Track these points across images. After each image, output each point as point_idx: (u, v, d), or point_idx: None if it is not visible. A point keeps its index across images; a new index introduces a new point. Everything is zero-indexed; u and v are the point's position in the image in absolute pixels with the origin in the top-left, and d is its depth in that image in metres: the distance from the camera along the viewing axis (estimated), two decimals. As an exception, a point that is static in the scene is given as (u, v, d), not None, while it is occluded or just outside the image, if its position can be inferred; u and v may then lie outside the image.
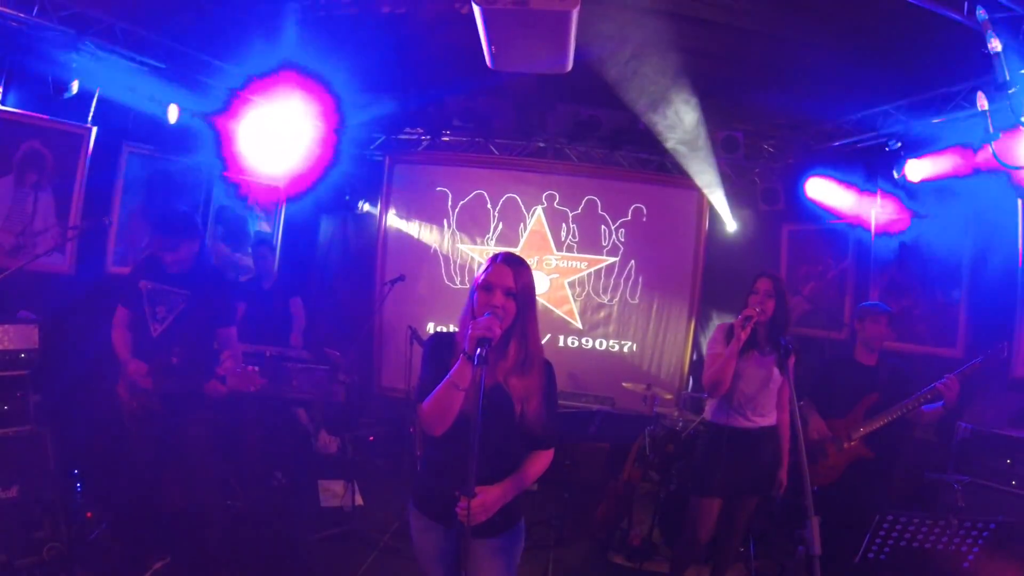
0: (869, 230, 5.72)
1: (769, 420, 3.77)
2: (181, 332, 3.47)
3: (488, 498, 2.30)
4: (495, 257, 2.43)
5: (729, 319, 3.83)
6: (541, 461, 2.53)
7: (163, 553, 3.76)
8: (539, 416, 2.42)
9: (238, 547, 4.09)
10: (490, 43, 3.51)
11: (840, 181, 5.73)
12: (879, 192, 5.56)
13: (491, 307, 2.32)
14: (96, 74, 4.57)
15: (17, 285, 3.76)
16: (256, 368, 3.38)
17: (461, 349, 2.23)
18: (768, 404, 3.77)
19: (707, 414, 3.94)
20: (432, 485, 2.45)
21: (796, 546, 4.65)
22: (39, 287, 4.29)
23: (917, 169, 4.93)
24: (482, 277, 2.38)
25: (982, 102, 3.70)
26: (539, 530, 5.04)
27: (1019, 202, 4.60)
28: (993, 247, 4.82)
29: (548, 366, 2.51)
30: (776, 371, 3.70)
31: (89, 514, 3.95)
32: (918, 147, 4.92)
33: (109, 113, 4.83)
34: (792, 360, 3.47)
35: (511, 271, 2.37)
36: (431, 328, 6.63)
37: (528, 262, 2.48)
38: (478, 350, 2.14)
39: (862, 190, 5.67)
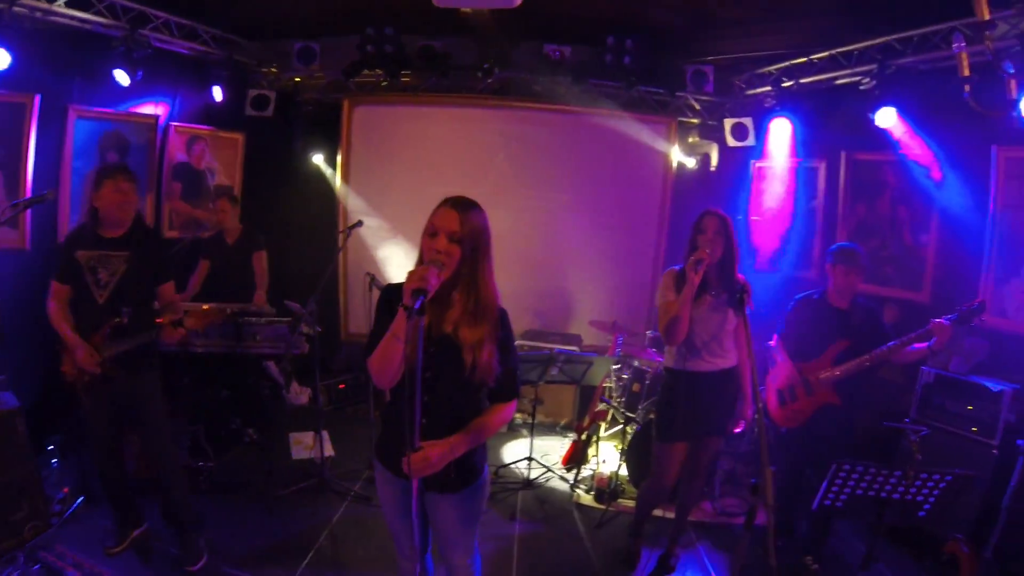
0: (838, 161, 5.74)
1: (729, 361, 3.81)
2: (126, 293, 3.53)
3: (432, 452, 2.30)
4: (444, 200, 2.37)
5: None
6: (499, 414, 2.51)
7: (139, 521, 3.98)
8: (491, 366, 2.37)
9: (210, 507, 4.34)
10: None
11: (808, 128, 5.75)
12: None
13: (434, 252, 2.28)
14: (36, 38, 4.51)
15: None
16: (206, 307, 3.55)
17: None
18: (726, 345, 3.80)
19: (666, 361, 3.98)
20: (387, 438, 2.51)
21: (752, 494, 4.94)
22: (-5, 265, 4.40)
23: (887, 117, 4.90)
24: (428, 221, 2.34)
25: (958, 43, 3.65)
26: (505, 472, 5.33)
27: (993, 148, 4.62)
28: (964, 192, 4.85)
29: (503, 314, 2.47)
30: (731, 312, 3.71)
31: (66, 489, 4.15)
32: (892, 87, 4.86)
33: (54, 77, 4.81)
34: (746, 300, 3.49)
35: (457, 214, 2.30)
36: (394, 273, 6.66)
37: (479, 204, 2.40)
38: (414, 302, 2.07)
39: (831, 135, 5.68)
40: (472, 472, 2.54)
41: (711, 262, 3.54)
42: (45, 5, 4.51)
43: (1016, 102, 3.78)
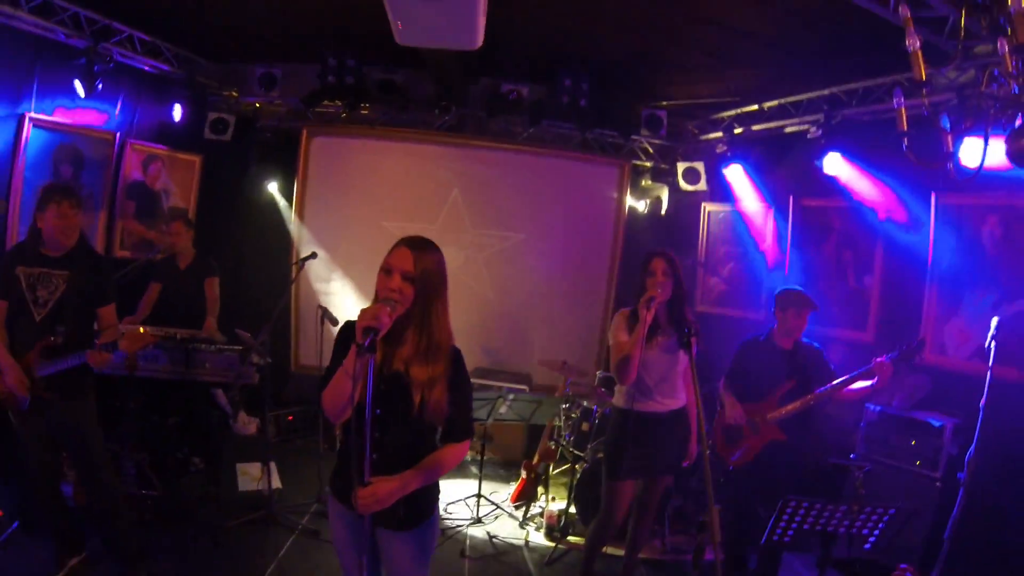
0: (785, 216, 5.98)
1: (679, 402, 3.88)
2: (64, 313, 3.45)
3: (380, 489, 2.29)
4: (400, 240, 2.41)
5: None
6: (451, 453, 2.52)
7: (78, 549, 3.80)
8: (440, 406, 2.39)
9: (154, 537, 4.18)
10: (395, 17, 3.50)
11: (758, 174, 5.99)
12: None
13: (388, 291, 2.31)
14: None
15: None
16: (143, 329, 3.41)
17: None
18: (676, 386, 3.86)
19: (616, 400, 4.01)
20: (340, 471, 2.50)
21: (698, 533, 4.97)
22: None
23: (834, 163, 5.14)
24: (384, 260, 2.37)
25: (898, 99, 3.88)
26: (455, 509, 5.27)
27: (932, 196, 4.86)
28: (906, 236, 5.08)
29: (456, 354, 2.48)
30: (681, 353, 3.75)
31: (0, 512, 3.97)
32: (838, 136, 5.11)
33: (9, 85, 4.71)
34: (694, 341, 3.54)
35: (412, 254, 2.34)
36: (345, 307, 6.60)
37: (436, 244, 2.44)
38: (364, 340, 2.11)
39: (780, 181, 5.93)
40: (423, 511, 2.53)
41: (661, 301, 3.60)
42: (9, 9, 4.44)
43: (953, 155, 4.01)
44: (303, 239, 6.71)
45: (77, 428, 3.55)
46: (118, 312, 3.71)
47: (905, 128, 3.83)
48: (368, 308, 2.22)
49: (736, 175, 6.10)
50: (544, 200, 6.86)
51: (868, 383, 3.93)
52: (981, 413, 3.67)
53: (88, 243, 3.68)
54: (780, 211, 6.05)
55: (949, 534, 4.02)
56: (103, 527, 3.72)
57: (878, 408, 4.76)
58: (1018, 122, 3.27)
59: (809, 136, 5.32)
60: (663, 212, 7.08)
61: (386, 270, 2.34)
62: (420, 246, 2.39)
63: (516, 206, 6.86)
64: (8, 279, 3.44)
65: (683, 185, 6.47)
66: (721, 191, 6.26)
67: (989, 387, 3.90)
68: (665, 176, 6.83)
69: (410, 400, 2.37)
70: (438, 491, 2.65)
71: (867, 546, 3.30)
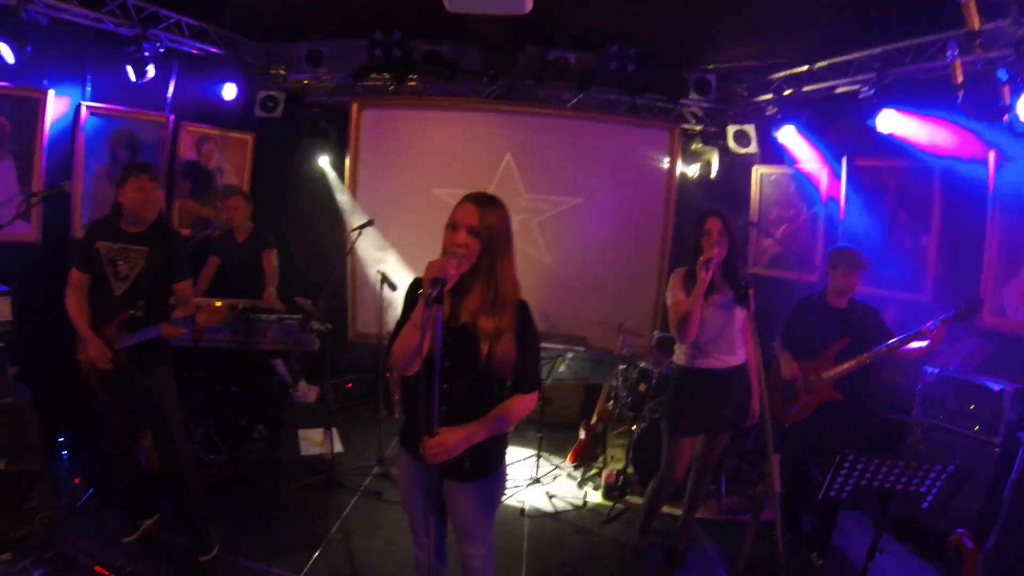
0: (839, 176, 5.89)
1: (738, 359, 3.90)
2: (143, 287, 3.59)
3: (448, 439, 2.37)
4: (466, 196, 2.47)
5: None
6: (519, 405, 2.56)
7: (151, 512, 4.03)
8: (508, 356, 2.45)
9: (220, 500, 4.40)
10: None
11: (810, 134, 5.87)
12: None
13: (454, 245, 2.38)
14: (49, 34, 4.59)
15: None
16: (218, 304, 3.61)
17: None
18: (735, 343, 3.89)
19: (676, 358, 4.05)
20: (409, 424, 2.61)
21: (757, 483, 5.01)
22: (8, 258, 4.48)
23: (888, 121, 5.02)
24: (450, 215, 2.45)
25: (952, 51, 3.80)
26: (514, 470, 5.39)
27: (991, 153, 4.74)
28: (963, 195, 4.98)
29: (523, 307, 2.55)
30: (738, 309, 3.79)
31: (77, 480, 4.20)
32: (891, 96, 4.99)
33: (67, 74, 4.90)
34: (751, 295, 3.62)
35: (477, 210, 2.41)
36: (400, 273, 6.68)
37: (501, 201, 2.51)
38: (432, 290, 2.17)
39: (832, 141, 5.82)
40: (489, 463, 2.62)
41: (718, 261, 3.62)
42: (59, 3, 4.60)
43: (1010, 108, 3.92)
44: (356, 209, 6.82)
45: (156, 396, 3.72)
46: None
47: (960, 81, 3.81)
48: (435, 261, 2.28)
49: (789, 136, 6.00)
50: (596, 165, 6.88)
51: (923, 344, 3.93)
52: None
53: (166, 220, 3.87)
54: (834, 172, 5.96)
55: (1008, 495, 3.99)
56: (175, 491, 3.89)
57: (936, 371, 4.69)
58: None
59: (861, 96, 5.22)
60: (713, 176, 7.01)
61: (452, 225, 2.41)
62: (485, 202, 2.45)
63: (569, 171, 6.90)
64: (89, 253, 3.61)
65: (733, 148, 6.40)
66: (772, 153, 6.17)
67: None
68: (715, 139, 6.74)
69: (477, 351, 2.44)
70: (506, 444, 2.74)
71: (924, 505, 3.24)
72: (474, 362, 2.45)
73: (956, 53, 3.75)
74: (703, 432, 3.97)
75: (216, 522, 4.02)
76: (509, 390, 2.58)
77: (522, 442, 5.93)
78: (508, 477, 5.09)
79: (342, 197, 6.95)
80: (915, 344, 3.95)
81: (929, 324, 3.85)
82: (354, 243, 5.10)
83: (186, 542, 3.89)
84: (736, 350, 3.91)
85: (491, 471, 2.64)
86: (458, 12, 4.05)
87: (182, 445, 3.90)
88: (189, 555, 3.83)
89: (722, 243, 3.69)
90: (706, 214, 3.83)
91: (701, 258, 3.59)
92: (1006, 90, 3.89)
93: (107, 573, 3.40)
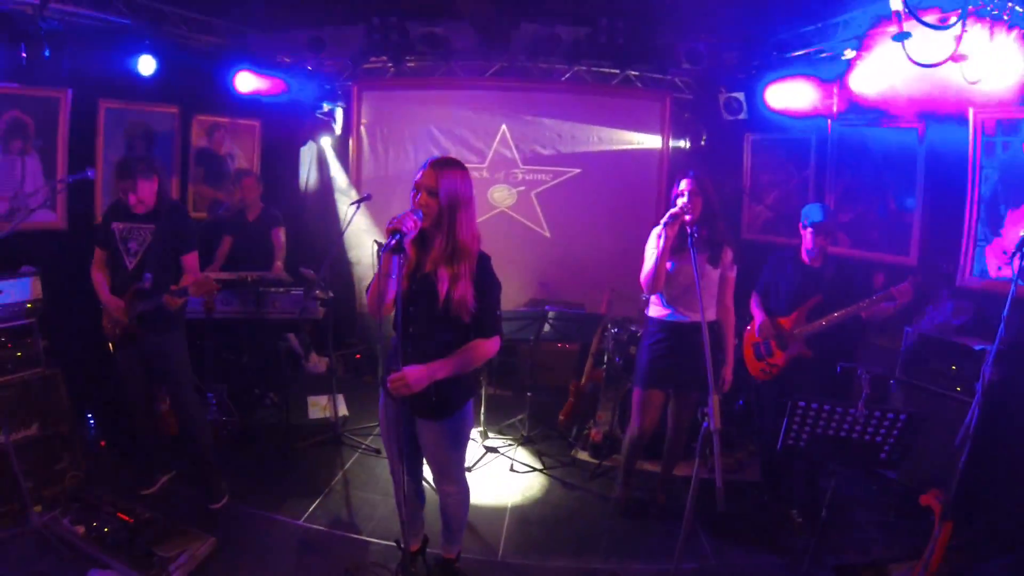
0: (826, 132, 6.02)
1: (707, 316, 4.06)
2: (151, 261, 4.07)
3: (410, 374, 2.71)
4: (427, 160, 2.86)
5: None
6: (480, 347, 2.90)
7: (168, 468, 4.60)
8: (464, 300, 2.80)
9: (233, 456, 4.89)
10: None
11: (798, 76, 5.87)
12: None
13: (416, 204, 2.78)
14: (65, 37, 5.02)
15: (18, 243, 4.40)
16: (212, 277, 4.01)
17: None
18: (705, 299, 4.04)
19: (649, 311, 4.32)
20: (387, 368, 2.92)
21: (701, 422, 5.18)
22: (38, 243, 4.98)
23: (860, 80, 5.08)
24: (414, 180, 2.84)
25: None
26: (505, 431, 5.77)
27: (970, 111, 4.84)
28: (945, 156, 5.09)
29: (483, 258, 2.92)
30: (711, 268, 4.06)
31: (103, 443, 4.71)
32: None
33: (83, 73, 5.31)
34: (728, 253, 3.95)
35: (435, 173, 2.79)
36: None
37: (459, 162, 2.90)
38: (390, 239, 2.56)
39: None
40: (453, 401, 3.03)
41: (690, 218, 3.84)
42: (72, 8, 5.06)
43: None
44: (361, 187, 7.27)
45: (165, 357, 4.22)
46: (200, 265, 4.32)
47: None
48: (395, 216, 2.65)
49: (777, 99, 6.12)
50: (591, 137, 7.22)
51: (891, 303, 4.12)
52: (1002, 326, 3.62)
53: (168, 198, 4.27)
54: (820, 136, 6.11)
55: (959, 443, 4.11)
56: (189, 447, 4.40)
57: (917, 331, 4.83)
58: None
59: (844, 58, 5.36)
60: (703, 142, 7.24)
61: (415, 188, 2.82)
62: (442, 165, 2.84)
63: (564, 144, 7.25)
64: (106, 232, 4.15)
65: (725, 115, 6.57)
66: (762, 120, 6.33)
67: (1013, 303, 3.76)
68: (707, 107, 6.93)
69: (436, 297, 2.82)
70: (469, 387, 3.15)
71: (883, 455, 3.42)
72: (434, 306, 2.83)
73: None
74: (671, 385, 4.21)
75: (226, 476, 4.49)
76: (471, 334, 2.93)
77: (514, 403, 6.29)
78: (501, 436, 5.59)
79: (342, 176, 7.41)
80: (887, 304, 4.15)
81: (896, 287, 4.07)
82: (353, 216, 5.52)
83: (198, 493, 4.38)
84: (707, 307, 4.11)
85: (455, 410, 3.05)
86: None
87: (192, 402, 4.38)
88: (201, 504, 4.32)
89: (694, 202, 3.93)
90: (681, 175, 4.09)
91: (668, 214, 3.85)
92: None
93: (127, 518, 3.83)
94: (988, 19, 3.79)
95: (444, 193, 2.79)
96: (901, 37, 3.60)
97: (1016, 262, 3.69)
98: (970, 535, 4.05)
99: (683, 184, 4.02)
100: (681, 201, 3.93)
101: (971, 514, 4.17)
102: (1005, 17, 3.73)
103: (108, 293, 4.14)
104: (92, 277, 4.20)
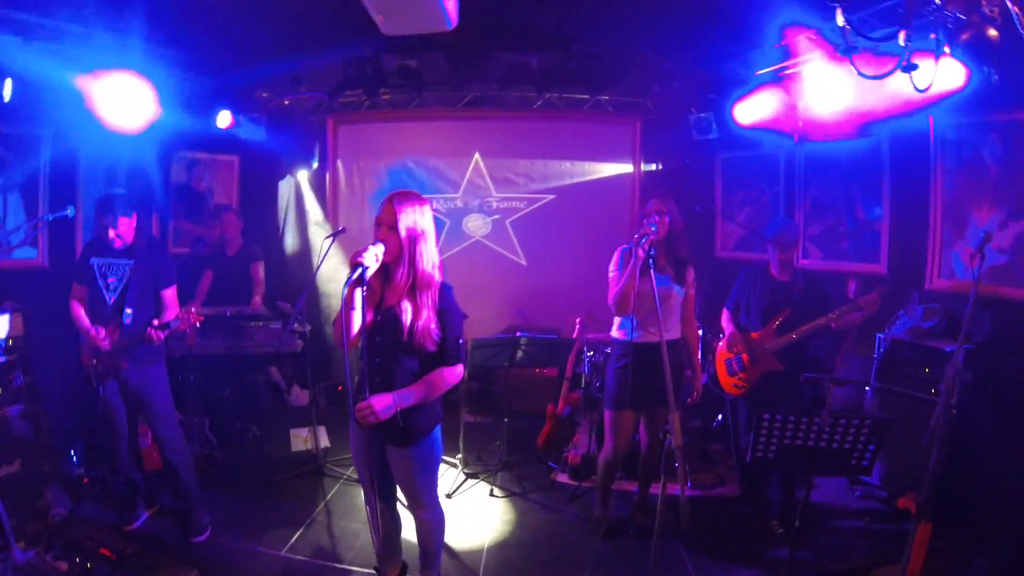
0: (795, 143, 6.17)
1: (673, 334, 4.23)
2: (131, 296, 4.16)
3: (377, 402, 2.83)
4: (387, 195, 2.98)
5: None
6: (443, 375, 3.02)
7: (151, 502, 4.64)
8: (428, 331, 2.93)
9: (215, 490, 4.92)
10: (375, 13, 4.12)
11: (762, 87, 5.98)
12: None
13: (377, 239, 2.90)
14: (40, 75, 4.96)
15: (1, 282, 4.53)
16: (194, 310, 4.09)
17: None
18: (670, 319, 4.22)
19: (613, 332, 4.38)
20: (352, 394, 2.98)
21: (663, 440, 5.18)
22: (19, 281, 5.07)
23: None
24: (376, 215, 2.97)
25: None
26: (485, 457, 5.83)
27: (929, 119, 5.00)
28: (908, 164, 5.23)
29: (445, 288, 3.03)
30: (676, 287, 4.17)
31: (86, 479, 4.75)
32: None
33: (63, 113, 5.34)
34: (691, 272, 4.06)
35: (393, 208, 2.92)
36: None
37: (418, 196, 3.02)
38: (352, 273, 2.71)
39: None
40: (421, 428, 3.10)
41: (656, 239, 3.91)
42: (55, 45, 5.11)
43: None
44: (338, 220, 7.40)
45: (149, 391, 4.29)
46: (180, 299, 4.41)
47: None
48: (358, 250, 2.79)
49: (746, 116, 6.25)
50: (564, 163, 7.40)
51: (859, 313, 4.24)
52: (964, 326, 3.66)
53: (147, 234, 4.40)
54: (790, 152, 6.26)
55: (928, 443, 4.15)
56: (171, 480, 4.47)
57: (890, 337, 4.92)
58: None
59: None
60: (679, 164, 7.40)
61: (376, 223, 2.98)
62: (401, 200, 2.96)
63: (538, 170, 7.42)
64: (85, 268, 4.24)
65: (695, 135, 6.70)
66: (733, 139, 6.46)
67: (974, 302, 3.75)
68: (678, 129, 7.06)
69: (401, 327, 2.93)
70: (436, 413, 3.21)
71: (852, 461, 3.43)
72: (399, 337, 2.94)
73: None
74: (643, 405, 4.28)
75: (208, 509, 4.53)
76: (434, 363, 3.03)
77: (492, 429, 6.35)
78: (481, 462, 5.65)
79: (318, 210, 7.52)
80: (855, 314, 4.27)
81: (863, 297, 4.20)
82: (327, 251, 5.64)
83: (181, 527, 4.42)
84: (672, 326, 4.24)
85: (423, 436, 3.12)
86: (394, 34, 4.54)
87: (176, 436, 4.45)
88: (183, 537, 4.36)
89: (661, 223, 4.06)
90: (649, 198, 4.22)
91: (637, 234, 3.86)
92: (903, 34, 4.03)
93: (110, 554, 3.88)
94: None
95: (403, 227, 2.92)
96: (909, 69, 3.51)
97: (977, 261, 3.77)
98: (953, 536, 4.08)
99: (650, 205, 4.15)
100: (650, 222, 4.04)
101: (952, 515, 4.22)
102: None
103: (87, 323, 4.21)
104: (72, 311, 4.28)
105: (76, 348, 4.36)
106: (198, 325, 4.13)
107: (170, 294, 4.34)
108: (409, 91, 6.93)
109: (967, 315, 3.65)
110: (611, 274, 4.25)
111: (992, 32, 3.39)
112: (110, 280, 4.22)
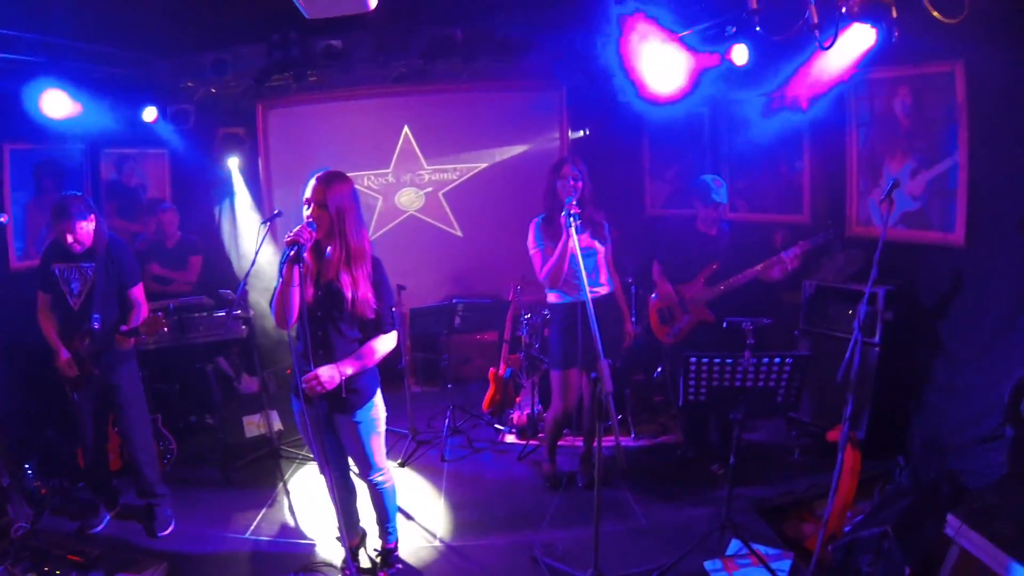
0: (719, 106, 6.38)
1: (605, 288, 4.47)
2: (96, 300, 4.19)
3: (323, 373, 3.04)
4: (312, 175, 3.15)
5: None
6: (381, 342, 3.27)
7: (114, 503, 4.72)
8: (367, 301, 3.14)
9: (176, 482, 4.99)
10: None
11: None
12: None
13: (307, 217, 3.07)
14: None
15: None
16: (160, 313, 4.17)
17: None
18: (600, 275, 4.44)
19: (550, 298, 4.58)
20: (296, 374, 3.13)
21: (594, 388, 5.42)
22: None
23: (741, 53, 5.41)
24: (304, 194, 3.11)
25: None
26: (433, 425, 6.06)
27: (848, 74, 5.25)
28: (827, 119, 5.43)
29: (376, 262, 3.25)
30: (597, 244, 4.39)
31: (44, 491, 4.77)
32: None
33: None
34: (606, 228, 4.25)
35: (321, 187, 3.09)
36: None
37: (342, 174, 3.20)
38: (289, 251, 2.89)
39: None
40: (362, 393, 3.31)
41: (577, 202, 4.02)
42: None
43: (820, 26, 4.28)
44: (273, 204, 7.45)
45: (122, 392, 4.37)
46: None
47: (755, 7, 4.14)
48: (293, 229, 2.97)
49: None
50: (494, 133, 7.53)
51: (784, 265, 4.50)
52: (875, 268, 3.87)
53: (105, 236, 4.33)
54: (713, 110, 6.49)
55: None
56: (136, 477, 4.54)
57: (814, 283, 5.22)
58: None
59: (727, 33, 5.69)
60: (606, 129, 7.52)
61: (306, 202, 3.14)
62: (326, 179, 3.14)
63: (469, 140, 7.54)
64: (46, 274, 4.25)
65: (620, 97, 6.82)
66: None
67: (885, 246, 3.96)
68: (603, 93, 7.20)
69: (343, 300, 3.12)
70: (377, 379, 3.44)
71: (779, 399, 3.72)
72: (341, 310, 3.15)
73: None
74: (585, 361, 4.41)
75: (172, 501, 4.66)
76: (372, 331, 3.26)
77: (439, 398, 6.53)
78: (431, 429, 5.87)
79: (248, 198, 7.48)
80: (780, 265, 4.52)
81: (787, 254, 4.47)
82: (265, 235, 5.70)
83: (146, 523, 4.52)
84: (602, 281, 4.48)
85: (365, 400, 3.33)
86: (317, 17, 4.61)
87: (141, 432, 4.54)
88: (149, 533, 4.47)
89: (578, 187, 4.25)
90: (562, 160, 4.42)
91: (564, 212, 3.85)
92: (813, 9, 4.24)
93: (78, 558, 3.94)
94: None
95: (332, 204, 3.09)
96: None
97: (886, 207, 4.02)
98: (884, 466, 4.45)
99: (565, 169, 4.33)
100: (566, 188, 4.24)
101: (885, 444, 4.59)
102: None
103: (58, 343, 4.22)
104: (40, 323, 4.29)
105: (23, 361, 4.44)
106: (165, 330, 4.22)
107: (138, 292, 4.39)
108: (337, 71, 6.93)
109: (876, 258, 3.90)
110: (532, 251, 4.44)
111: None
112: (74, 285, 4.23)
